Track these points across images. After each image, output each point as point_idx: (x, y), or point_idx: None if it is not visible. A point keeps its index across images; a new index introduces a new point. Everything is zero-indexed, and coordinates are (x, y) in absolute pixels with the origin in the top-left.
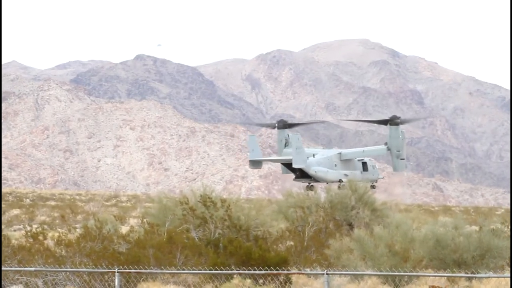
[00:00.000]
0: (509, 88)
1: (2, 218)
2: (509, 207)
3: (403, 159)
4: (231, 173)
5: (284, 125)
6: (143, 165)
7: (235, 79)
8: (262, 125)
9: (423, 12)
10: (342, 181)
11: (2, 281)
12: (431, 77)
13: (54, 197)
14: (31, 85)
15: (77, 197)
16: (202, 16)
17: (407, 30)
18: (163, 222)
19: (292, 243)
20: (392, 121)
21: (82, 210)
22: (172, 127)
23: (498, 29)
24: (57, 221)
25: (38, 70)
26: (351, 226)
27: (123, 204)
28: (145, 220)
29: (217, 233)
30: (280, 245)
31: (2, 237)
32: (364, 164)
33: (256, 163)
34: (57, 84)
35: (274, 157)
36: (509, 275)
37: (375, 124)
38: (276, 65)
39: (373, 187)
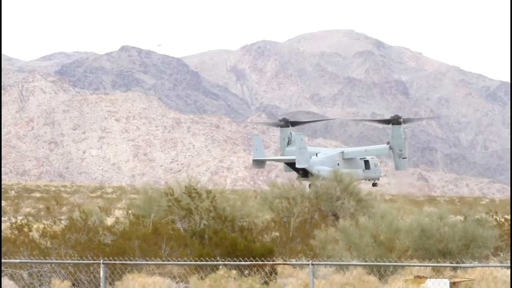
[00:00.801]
0: (494, 77)
1: None
2: (493, 197)
3: (405, 158)
4: (216, 164)
5: (287, 123)
6: (128, 157)
7: (220, 70)
8: (266, 124)
9: (408, 3)
10: None
11: None
12: (416, 67)
13: (39, 189)
14: (15, 77)
15: (62, 188)
16: (187, 6)
17: (392, 21)
18: (149, 213)
19: (277, 234)
20: (394, 121)
21: (67, 201)
22: (157, 118)
23: (483, 19)
24: (42, 212)
25: (22, 62)
26: (336, 216)
27: (108, 195)
28: (130, 211)
29: (202, 224)
30: (265, 236)
31: None
32: (366, 162)
33: (259, 163)
34: (41, 75)
35: (278, 156)
36: (494, 264)
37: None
38: (261, 56)
39: (375, 184)
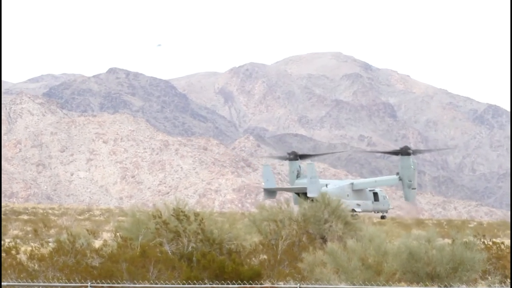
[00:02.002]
0: (481, 100)
1: None
2: (481, 220)
3: (415, 188)
4: (205, 187)
5: (296, 156)
6: (116, 179)
7: (208, 92)
8: (274, 157)
9: (396, 26)
10: (355, 211)
11: None
12: (403, 90)
13: (27, 211)
14: (3, 99)
15: (50, 211)
16: (174, 29)
17: (379, 43)
18: (136, 236)
19: (265, 256)
20: (403, 152)
21: (55, 224)
22: (145, 140)
23: (470, 42)
24: (30, 235)
25: (10, 84)
26: (324, 239)
27: (96, 218)
28: (118, 234)
29: (190, 247)
30: (253, 258)
31: None
32: (375, 194)
33: (270, 193)
34: (29, 97)
35: (288, 186)
36: None
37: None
38: (249, 78)
39: (383, 217)
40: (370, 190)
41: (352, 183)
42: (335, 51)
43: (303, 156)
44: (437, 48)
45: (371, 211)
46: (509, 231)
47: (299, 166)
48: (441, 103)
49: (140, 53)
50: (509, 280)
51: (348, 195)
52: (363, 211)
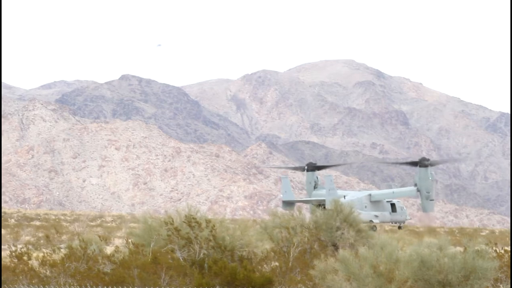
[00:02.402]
0: (494, 109)
1: None
2: (493, 228)
3: (432, 200)
4: (216, 194)
5: (313, 167)
6: (128, 185)
7: (220, 99)
8: (292, 168)
9: (408, 33)
10: (373, 222)
11: None
12: (416, 97)
13: (39, 217)
14: (16, 105)
15: (62, 217)
16: (187, 36)
17: (392, 51)
18: (148, 242)
19: (277, 263)
20: (421, 163)
21: (67, 230)
22: (157, 147)
23: (483, 50)
24: (41, 241)
25: (23, 90)
26: (336, 246)
27: (108, 224)
28: (130, 240)
29: (202, 254)
30: (265, 265)
31: None
32: (393, 205)
33: (289, 204)
34: (42, 104)
35: (307, 198)
36: None
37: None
38: (261, 85)
39: (400, 228)
40: (387, 201)
41: (370, 194)
42: (348, 59)
43: (320, 167)
44: (449, 56)
45: (389, 222)
46: None
47: (316, 177)
48: (454, 111)
49: (152, 60)
50: None
51: (366, 207)
52: (381, 222)
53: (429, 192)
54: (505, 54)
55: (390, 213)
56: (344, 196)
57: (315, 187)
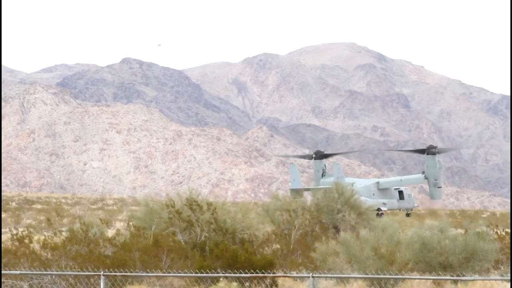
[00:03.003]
0: (495, 91)
1: None
2: (494, 210)
3: (440, 187)
4: (218, 176)
5: (321, 155)
6: (129, 169)
7: (222, 83)
8: (300, 157)
9: (410, 16)
10: (381, 210)
11: None
12: (417, 80)
13: (40, 201)
14: (17, 89)
15: (63, 200)
16: (188, 19)
17: (393, 34)
18: (149, 225)
19: (278, 246)
20: (429, 151)
21: (68, 213)
22: (158, 130)
23: (484, 33)
24: (43, 224)
25: (24, 74)
26: (337, 229)
27: (109, 207)
28: (131, 223)
29: (203, 236)
30: (266, 248)
31: None
32: (401, 192)
33: (297, 192)
34: (43, 87)
35: (315, 186)
36: (495, 277)
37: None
38: (262, 68)
39: (408, 215)
40: (395, 189)
41: (377, 182)
42: (349, 42)
43: (328, 155)
44: (451, 39)
45: (397, 209)
46: None
47: (324, 165)
48: (455, 94)
49: (153, 43)
50: None
51: (374, 194)
52: (388, 209)
53: (436, 180)
54: (506, 36)
55: (397, 201)
56: (353, 184)
57: (323, 175)
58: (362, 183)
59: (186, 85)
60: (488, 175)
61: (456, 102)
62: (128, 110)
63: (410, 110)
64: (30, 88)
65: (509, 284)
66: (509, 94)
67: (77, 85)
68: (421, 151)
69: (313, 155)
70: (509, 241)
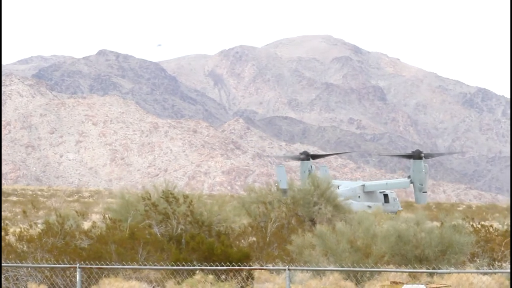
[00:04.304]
0: (471, 84)
1: None
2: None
3: (425, 192)
4: (194, 169)
5: (308, 156)
6: (105, 161)
7: (198, 75)
8: (287, 157)
9: (385, 9)
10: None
11: None
12: (393, 73)
13: (16, 193)
14: None
15: (39, 192)
16: (164, 11)
17: (369, 27)
18: (125, 217)
19: (254, 238)
20: (415, 156)
21: (44, 205)
22: (134, 122)
23: (460, 25)
24: (18, 216)
25: None
26: (313, 222)
27: (85, 199)
28: (107, 215)
29: (179, 229)
30: (242, 240)
31: None
32: (386, 196)
33: (284, 193)
34: (19, 79)
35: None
36: (470, 270)
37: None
38: (238, 60)
39: None
40: (380, 192)
41: (363, 185)
42: (325, 34)
43: (314, 156)
44: (427, 32)
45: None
46: (497, 214)
47: (311, 166)
48: (431, 87)
49: (130, 35)
50: (497, 263)
51: (359, 197)
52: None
53: (422, 184)
54: (482, 30)
55: (383, 204)
56: (338, 186)
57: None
58: (348, 186)
59: (162, 77)
60: (464, 168)
61: (432, 95)
62: (104, 102)
63: (386, 103)
64: (5, 80)
65: (484, 277)
66: (484, 87)
67: (53, 77)
68: (408, 156)
69: (300, 156)
70: (484, 234)
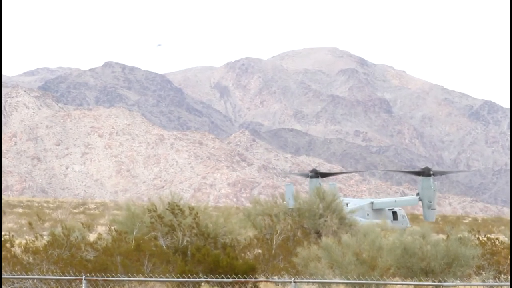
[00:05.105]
0: (477, 96)
1: None
2: (476, 215)
3: (434, 209)
4: (200, 181)
5: (317, 174)
6: (111, 173)
7: (204, 87)
8: (296, 174)
9: (392, 21)
10: None
11: None
12: (399, 85)
13: (22, 204)
14: None
15: (45, 204)
16: (171, 24)
17: (375, 39)
18: (131, 229)
19: (260, 251)
20: (424, 173)
21: (50, 217)
22: (140, 134)
23: (467, 38)
24: (24, 228)
25: (5, 77)
26: (319, 234)
27: (91, 211)
28: (113, 227)
29: (185, 241)
30: (248, 253)
31: None
32: (395, 213)
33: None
34: (25, 91)
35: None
36: (476, 283)
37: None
38: (244, 73)
39: None
40: (389, 209)
41: (372, 203)
42: (331, 46)
43: (324, 174)
44: (433, 44)
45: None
46: (503, 227)
47: (319, 184)
48: (437, 99)
49: (136, 47)
50: (503, 276)
51: (368, 214)
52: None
53: (430, 202)
54: (488, 42)
55: (391, 221)
56: (347, 204)
57: None
58: (357, 203)
59: (168, 89)
60: (470, 180)
61: (438, 107)
62: (110, 114)
63: (392, 115)
64: (12, 92)
65: None
66: (490, 99)
67: (59, 88)
68: (417, 173)
69: (309, 174)
70: (490, 247)
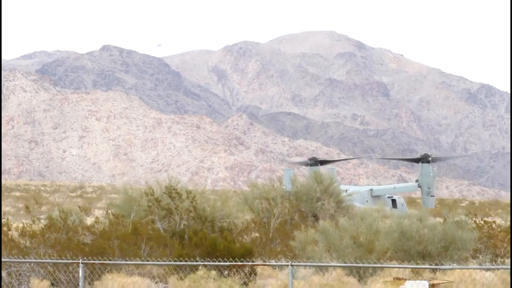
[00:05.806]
0: (474, 80)
1: None
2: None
3: (433, 196)
4: (197, 165)
5: (316, 162)
6: (108, 156)
7: (202, 70)
8: (295, 163)
9: (390, 5)
10: None
11: None
12: (397, 69)
13: (19, 188)
14: None
15: (42, 188)
16: (168, 6)
17: (373, 22)
18: (128, 213)
19: (257, 234)
20: (423, 160)
21: (47, 201)
22: (138, 118)
23: (464, 21)
24: (21, 212)
25: (3, 60)
26: (316, 217)
27: (89, 195)
28: (110, 211)
29: (182, 225)
30: (245, 236)
31: None
32: (394, 201)
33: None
34: (22, 74)
35: None
36: (473, 266)
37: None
38: (242, 56)
39: None
40: (388, 197)
41: (371, 189)
42: (329, 30)
43: (323, 162)
44: (431, 28)
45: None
46: (500, 210)
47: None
48: (434, 82)
49: (133, 31)
50: (499, 259)
51: (367, 201)
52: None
53: (430, 188)
54: (486, 26)
55: (390, 209)
56: (346, 190)
57: None
58: (356, 190)
59: (165, 73)
60: (467, 164)
61: (435, 91)
62: (108, 98)
63: (389, 99)
64: (9, 75)
65: (487, 273)
66: (488, 83)
67: (56, 72)
68: (416, 160)
69: (308, 162)
70: (487, 230)
